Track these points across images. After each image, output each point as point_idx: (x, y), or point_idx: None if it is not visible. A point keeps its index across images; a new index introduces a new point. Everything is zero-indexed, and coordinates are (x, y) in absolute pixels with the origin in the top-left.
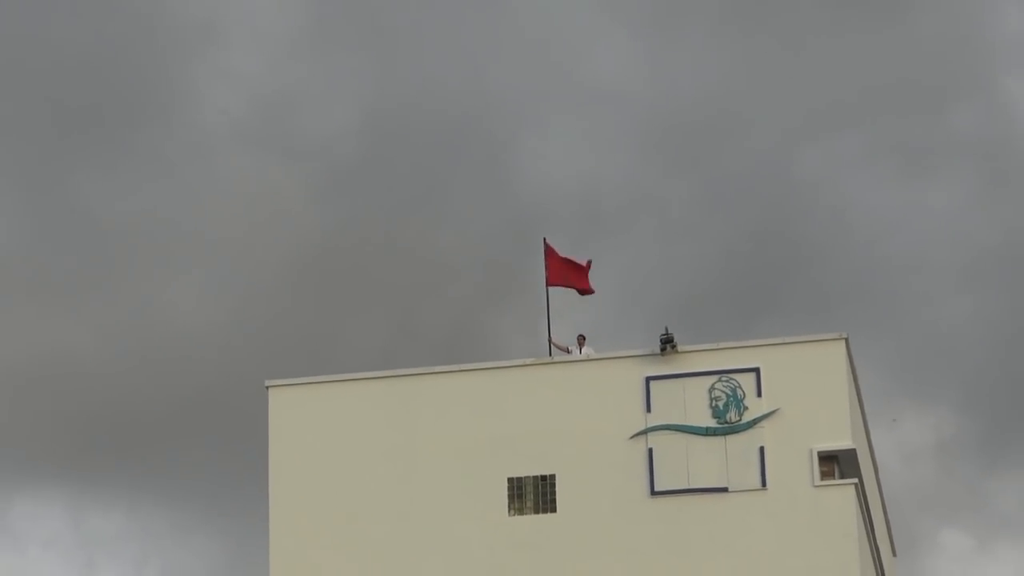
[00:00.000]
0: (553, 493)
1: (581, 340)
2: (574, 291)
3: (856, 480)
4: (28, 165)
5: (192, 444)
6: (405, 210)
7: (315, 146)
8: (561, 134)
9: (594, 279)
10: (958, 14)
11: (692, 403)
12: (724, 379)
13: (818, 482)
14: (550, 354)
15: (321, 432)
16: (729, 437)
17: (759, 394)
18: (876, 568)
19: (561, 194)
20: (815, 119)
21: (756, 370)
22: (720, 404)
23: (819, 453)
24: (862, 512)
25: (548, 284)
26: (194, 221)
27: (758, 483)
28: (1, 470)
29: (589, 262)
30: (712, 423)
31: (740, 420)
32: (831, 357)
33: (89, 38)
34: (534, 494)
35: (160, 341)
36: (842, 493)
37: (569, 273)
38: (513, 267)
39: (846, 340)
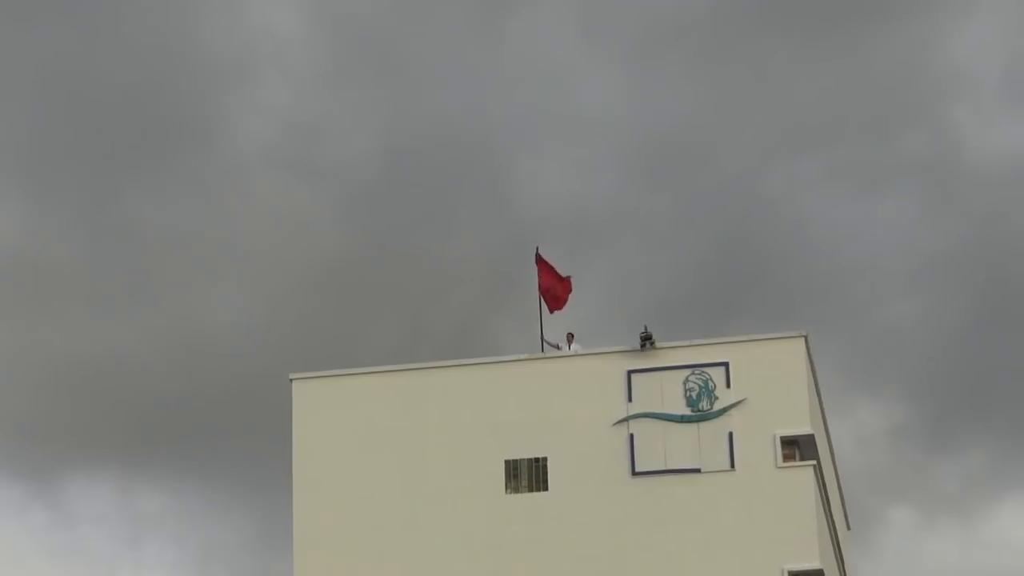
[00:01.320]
0: (545, 473)
1: (570, 338)
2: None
3: (814, 462)
4: (84, 186)
5: (226, 431)
6: (417, 225)
7: (337, 169)
8: (554, 157)
9: (582, 284)
10: (907, 49)
11: (669, 393)
12: (697, 372)
13: (780, 464)
14: (542, 350)
15: (339, 420)
16: (701, 424)
17: (728, 385)
18: (832, 540)
19: (554, 210)
20: (779, 143)
21: (725, 364)
22: (693, 394)
23: (781, 438)
24: (820, 490)
25: (540, 290)
26: (229, 235)
27: (727, 465)
28: (58, 455)
29: (569, 278)
30: (686, 411)
31: (711, 409)
32: (792, 353)
33: (138, 75)
34: (528, 474)
35: (199, 341)
36: (802, 474)
37: (555, 285)
38: (511, 275)
39: (805, 338)
